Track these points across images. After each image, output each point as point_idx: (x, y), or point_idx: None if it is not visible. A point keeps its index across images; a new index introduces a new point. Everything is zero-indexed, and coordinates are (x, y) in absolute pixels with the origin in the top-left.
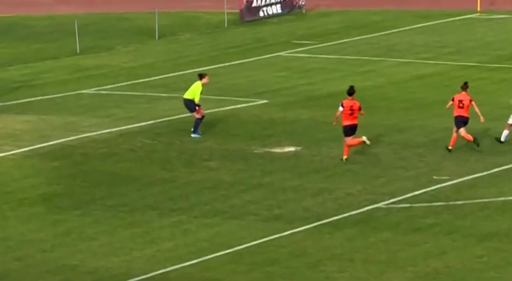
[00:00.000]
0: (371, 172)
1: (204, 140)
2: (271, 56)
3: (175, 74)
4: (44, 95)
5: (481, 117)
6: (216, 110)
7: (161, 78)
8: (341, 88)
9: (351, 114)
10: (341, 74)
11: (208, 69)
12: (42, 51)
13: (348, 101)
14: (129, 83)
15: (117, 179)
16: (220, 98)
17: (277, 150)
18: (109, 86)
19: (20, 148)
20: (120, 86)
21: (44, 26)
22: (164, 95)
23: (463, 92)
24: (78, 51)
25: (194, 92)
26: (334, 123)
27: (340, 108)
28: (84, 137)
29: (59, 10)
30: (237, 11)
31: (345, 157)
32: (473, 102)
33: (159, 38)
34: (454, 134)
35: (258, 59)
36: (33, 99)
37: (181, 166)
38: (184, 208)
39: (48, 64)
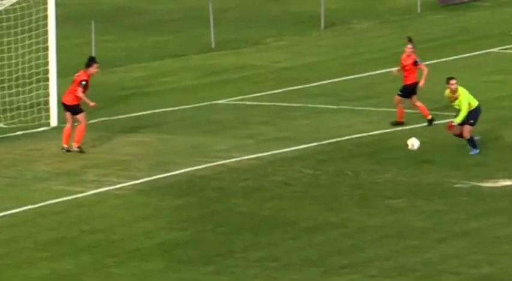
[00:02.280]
0: None
1: (385, 170)
2: (480, 54)
3: (347, 77)
4: (165, 107)
5: None
6: (402, 128)
7: (327, 84)
8: None
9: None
10: None
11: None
12: (162, 46)
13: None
14: (282, 90)
15: (264, 224)
16: (408, 111)
17: (489, 184)
18: (254, 95)
19: (131, 179)
20: (271, 94)
21: (166, 12)
22: (331, 106)
23: None
24: (212, 46)
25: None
26: None
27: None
28: (220, 165)
29: None
30: None
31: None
32: None
33: (325, 27)
34: None
35: (462, 58)
36: (149, 112)
37: (354, 206)
38: (357, 263)
39: (170, 64)
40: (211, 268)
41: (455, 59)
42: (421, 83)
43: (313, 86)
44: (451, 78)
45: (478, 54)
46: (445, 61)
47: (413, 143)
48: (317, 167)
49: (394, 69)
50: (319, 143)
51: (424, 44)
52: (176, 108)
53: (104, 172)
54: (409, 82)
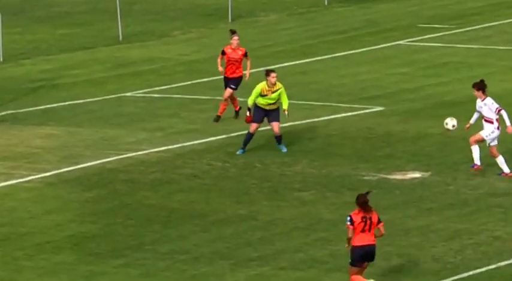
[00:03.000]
0: None
1: (295, 163)
2: (388, 46)
3: (256, 70)
4: (73, 100)
5: None
6: (312, 120)
7: None
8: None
9: None
10: (486, 70)
11: (301, 63)
12: (71, 39)
13: None
14: (190, 82)
15: (174, 216)
16: (317, 103)
17: (397, 177)
18: (162, 87)
19: (40, 172)
20: (179, 86)
21: (74, 4)
22: (239, 99)
23: None
24: (120, 38)
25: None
26: None
27: None
28: (129, 157)
29: None
30: None
31: None
32: None
33: (232, 20)
34: None
35: (369, 50)
36: (58, 105)
37: (263, 199)
38: (267, 256)
39: (79, 56)
40: (121, 260)
41: (363, 51)
42: (247, 76)
43: (221, 79)
44: (272, 71)
45: (386, 47)
46: (353, 54)
47: (448, 122)
48: (226, 160)
49: (220, 68)
50: (227, 135)
51: (331, 36)
52: (85, 100)
53: (12, 165)
54: (237, 75)
